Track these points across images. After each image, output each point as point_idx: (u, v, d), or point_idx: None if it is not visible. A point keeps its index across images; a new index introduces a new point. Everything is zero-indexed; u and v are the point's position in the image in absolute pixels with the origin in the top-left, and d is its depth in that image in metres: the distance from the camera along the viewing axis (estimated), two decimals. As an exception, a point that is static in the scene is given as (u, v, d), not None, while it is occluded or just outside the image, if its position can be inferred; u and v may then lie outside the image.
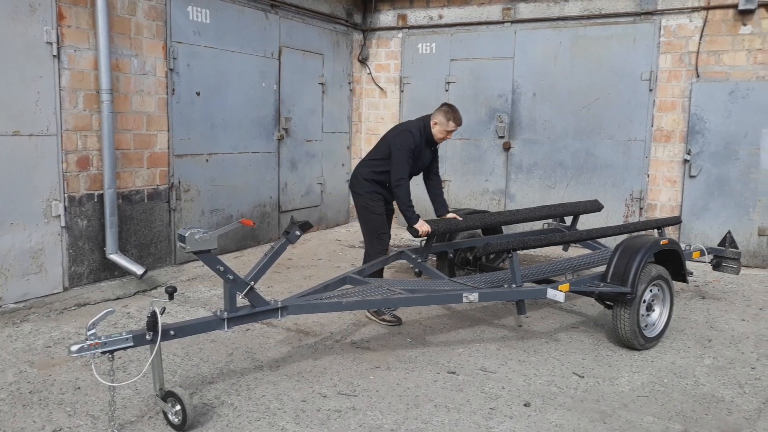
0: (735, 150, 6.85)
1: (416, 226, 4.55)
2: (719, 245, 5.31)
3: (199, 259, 3.24)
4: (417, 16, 8.58)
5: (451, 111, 4.64)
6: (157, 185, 5.95)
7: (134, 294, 5.46)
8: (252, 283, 3.44)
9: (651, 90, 7.24)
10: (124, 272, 5.54)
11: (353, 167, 8.96)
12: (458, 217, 4.85)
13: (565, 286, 4.02)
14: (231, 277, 3.35)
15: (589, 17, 7.50)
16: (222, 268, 3.31)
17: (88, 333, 2.90)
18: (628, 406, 3.51)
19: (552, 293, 3.92)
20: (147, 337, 3.02)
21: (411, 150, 4.54)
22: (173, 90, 6.01)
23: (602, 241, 5.82)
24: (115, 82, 5.38)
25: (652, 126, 7.30)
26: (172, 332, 3.16)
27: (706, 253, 5.18)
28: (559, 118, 7.79)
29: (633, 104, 7.37)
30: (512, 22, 7.95)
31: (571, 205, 5.88)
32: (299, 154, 7.94)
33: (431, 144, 4.77)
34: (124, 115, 5.54)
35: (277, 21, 7.31)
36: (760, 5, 6.58)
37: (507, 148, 8.11)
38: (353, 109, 8.97)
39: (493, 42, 8.10)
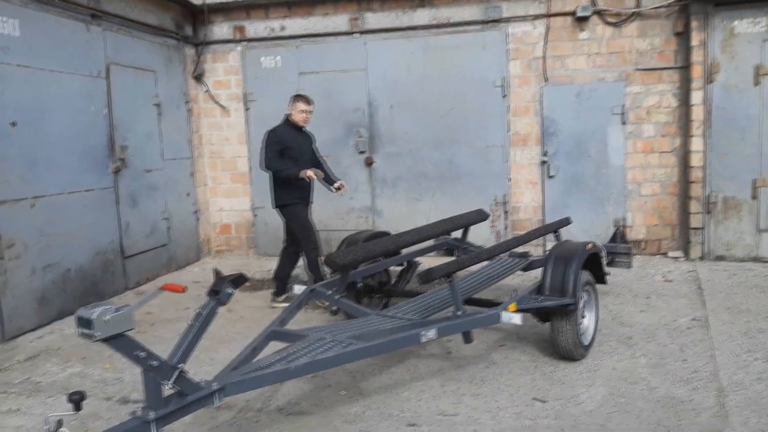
0: (586, 148, 7.26)
1: (301, 174, 5.36)
2: (610, 242, 5.48)
3: (111, 346, 2.36)
4: (256, 27, 7.89)
5: (296, 96, 5.65)
6: (-29, 245, 4.61)
7: (-44, 392, 4.11)
8: (181, 366, 2.62)
9: (504, 96, 7.40)
10: (-63, 365, 4.17)
11: (199, 196, 8.03)
12: (345, 186, 5.81)
13: (513, 306, 3.74)
14: (156, 363, 2.50)
15: (438, 26, 7.45)
16: (144, 354, 2.45)
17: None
18: (606, 426, 3.32)
19: (506, 316, 3.61)
20: (53, 473, 2.10)
21: (276, 142, 5.48)
22: (-19, 121, 4.71)
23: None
24: None
25: (508, 131, 7.46)
26: (86, 457, 2.25)
27: (604, 251, 5.28)
28: (418, 129, 7.65)
29: (488, 111, 7.47)
30: (361, 32, 7.64)
31: (463, 217, 5.73)
32: (139, 186, 6.80)
33: (300, 130, 5.68)
34: None
35: (100, 34, 6.17)
36: (594, 12, 7.04)
37: (369, 163, 7.77)
38: (193, 131, 7.98)
39: (344, 54, 7.71)
